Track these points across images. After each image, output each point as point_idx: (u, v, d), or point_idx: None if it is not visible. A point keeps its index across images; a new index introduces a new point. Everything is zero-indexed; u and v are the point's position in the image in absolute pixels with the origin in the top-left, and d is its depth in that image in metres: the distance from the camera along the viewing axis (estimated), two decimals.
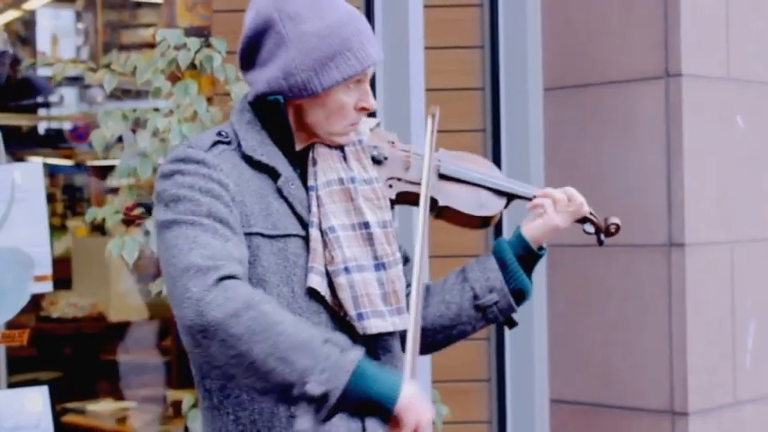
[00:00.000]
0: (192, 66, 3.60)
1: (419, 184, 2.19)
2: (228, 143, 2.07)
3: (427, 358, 3.66)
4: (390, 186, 2.20)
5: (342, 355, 1.86)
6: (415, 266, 2.12)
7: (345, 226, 2.07)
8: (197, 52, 3.58)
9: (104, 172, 7.61)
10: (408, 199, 2.22)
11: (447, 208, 2.23)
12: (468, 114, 4.03)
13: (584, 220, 2.35)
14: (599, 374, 3.99)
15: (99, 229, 6.16)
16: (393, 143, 2.25)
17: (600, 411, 3.99)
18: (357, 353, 1.88)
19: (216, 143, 2.05)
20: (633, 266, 3.91)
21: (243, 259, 1.95)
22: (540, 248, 2.27)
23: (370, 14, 3.83)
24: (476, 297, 2.23)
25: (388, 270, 2.09)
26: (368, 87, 2.11)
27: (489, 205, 2.26)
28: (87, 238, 6.90)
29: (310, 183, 2.09)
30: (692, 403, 3.78)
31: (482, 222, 2.27)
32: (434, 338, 2.25)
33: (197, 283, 1.85)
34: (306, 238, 2.05)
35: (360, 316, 2.04)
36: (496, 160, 4.02)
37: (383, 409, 1.87)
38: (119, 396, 5.77)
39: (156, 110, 3.60)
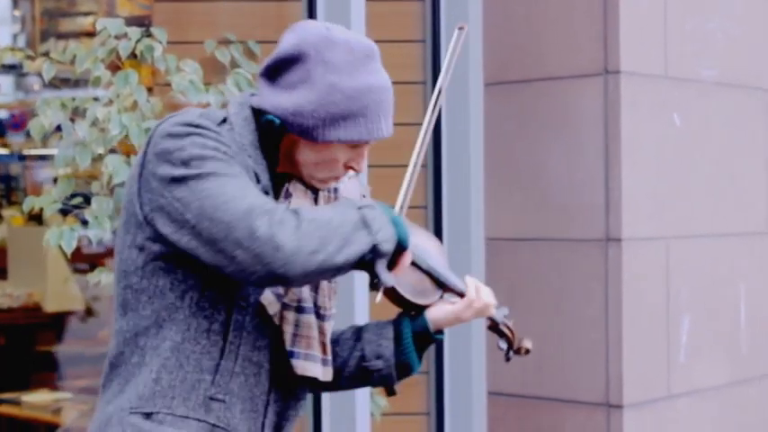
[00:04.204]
0: (133, 55, 3.59)
1: None
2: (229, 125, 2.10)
3: None
4: None
5: (376, 211, 2.01)
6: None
7: None
8: (138, 42, 3.56)
9: (41, 161, 7.56)
10: None
11: (393, 289, 2.22)
12: (408, 108, 4.03)
13: (497, 331, 2.40)
14: (536, 367, 4.03)
15: (35, 218, 6.11)
16: (364, 197, 2.28)
17: (536, 403, 4.02)
18: (380, 203, 2.05)
19: (224, 121, 2.08)
20: (570, 261, 3.94)
21: None
22: (438, 332, 2.29)
23: (311, 7, 3.83)
24: (363, 358, 2.26)
25: (323, 321, 2.16)
26: (365, 152, 2.14)
27: (427, 296, 2.27)
28: (23, 228, 6.83)
29: None
30: (626, 396, 3.82)
31: (416, 308, 2.27)
32: (314, 383, 2.24)
33: (264, 222, 1.91)
34: None
35: (291, 354, 2.11)
36: (436, 155, 4.04)
37: (401, 248, 2.04)
38: (54, 387, 5.72)
39: (96, 99, 3.57)
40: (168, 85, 3.58)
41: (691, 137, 4.12)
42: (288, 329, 2.10)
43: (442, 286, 2.29)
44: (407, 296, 2.24)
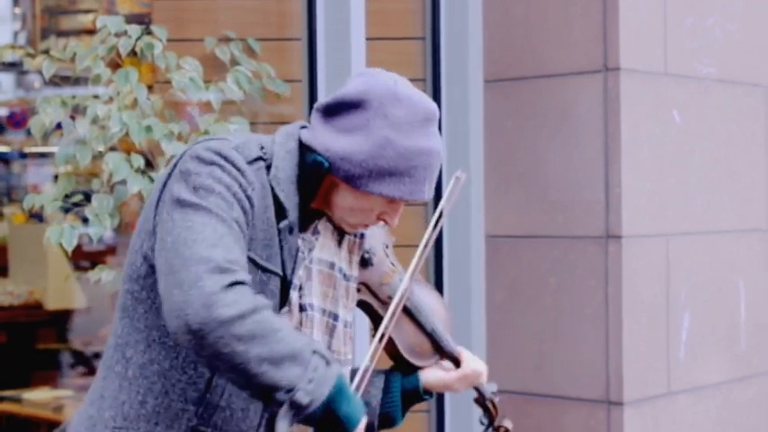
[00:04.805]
0: (133, 53, 3.59)
1: (385, 303, 2.21)
2: (264, 161, 2.07)
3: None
4: (358, 290, 2.22)
5: (327, 368, 1.90)
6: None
7: (320, 308, 2.13)
8: (138, 39, 3.56)
9: (42, 159, 7.57)
10: (367, 310, 2.25)
11: (389, 338, 2.22)
12: None
13: (483, 406, 2.41)
14: (536, 364, 4.03)
15: (36, 216, 6.12)
16: (387, 247, 2.29)
17: (537, 401, 4.03)
18: (338, 368, 1.93)
19: (258, 159, 2.06)
20: (570, 258, 3.94)
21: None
22: (427, 393, 2.32)
23: (311, 5, 3.83)
24: None
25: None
26: (401, 209, 2.13)
27: (424, 358, 2.29)
28: (24, 226, 6.85)
29: (302, 247, 2.11)
30: (626, 393, 3.83)
31: (409, 367, 2.29)
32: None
33: (213, 278, 1.85)
34: (281, 280, 2.08)
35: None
36: None
37: (343, 428, 1.92)
38: (55, 384, 5.73)
39: (96, 97, 3.58)
40: (168, 82, 3.58)
41: (690, 134, 4.12)
42: None
43: (441, 352, 2.31)
44: (405, 354, 2.27)
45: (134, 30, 3.56)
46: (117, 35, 3.56)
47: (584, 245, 3.90)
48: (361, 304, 2.25)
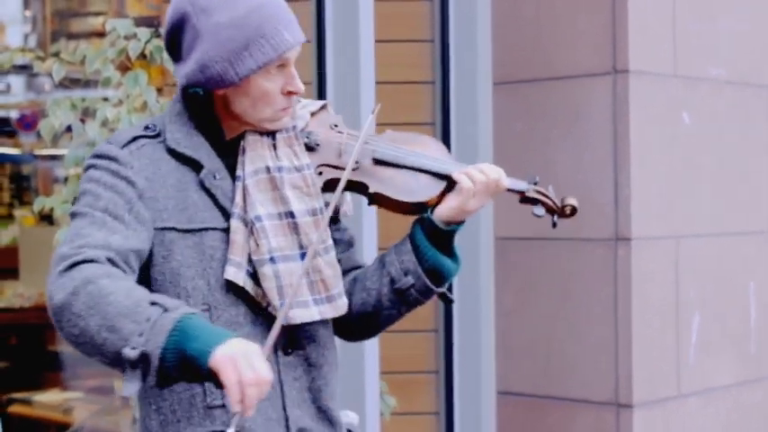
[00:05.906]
0: (142, 56, 3.60)
1: (353, 169, 2.15)
2: (155, 136, 2.08)
3: (375, 350, 3.68)
4: (320, 173, 2.15)
5: (163, 315, 1.82)
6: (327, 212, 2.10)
7: (272, 215, 2.07)
8: (147, 42, 3.57)
9: (52, 161, 7.59)
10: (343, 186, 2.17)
11: (378, 194, 2.17)
12: (417, 108, 4.05)
13: (529, 201, 2.30)
14: (545, 367, 4.03)
15: (46, 218, 6.14)
16: (336, 126, 2.21)
17: (546, 403, 4.02)
18: (180, 312, 1.83)
19: (136, 138, 2.07)
20: (580, 260, 3.94)
21: (124, 250, 1.94)
22: (451, 224, 2.19)
23: (320, 7, 3.83)
24: (393, 281, 2.18)
25: (314, 259, 2.08)
26: (293, 71, 2.10)
27: (424, 190, 2.19)
28: (35, 228, 6.86)
29: (238, 173, 2.08)
30: (636, 396, 3.82)
31: (418, 208, 2.20)
32: (363, 324, 2.22)
33: (54, 271, 1.88)
34: (226, 230, 2.06)
35: (283, 306, 2.03)
36: None
37: (198, 367, 1.81)
38: (66, 386, 5.74)
39: (106, 99, 3.59)
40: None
41: (700, 135, 4.12)
42: (270, 285, 2.05)
43: (442, 178, 2.20)
44: (407, 199, 2.18)
45: (143, 33, 3.57)
46: (126, 38, 3.57)
47: (594, 247, 3.90)
48: (334, 184, 2.15)
